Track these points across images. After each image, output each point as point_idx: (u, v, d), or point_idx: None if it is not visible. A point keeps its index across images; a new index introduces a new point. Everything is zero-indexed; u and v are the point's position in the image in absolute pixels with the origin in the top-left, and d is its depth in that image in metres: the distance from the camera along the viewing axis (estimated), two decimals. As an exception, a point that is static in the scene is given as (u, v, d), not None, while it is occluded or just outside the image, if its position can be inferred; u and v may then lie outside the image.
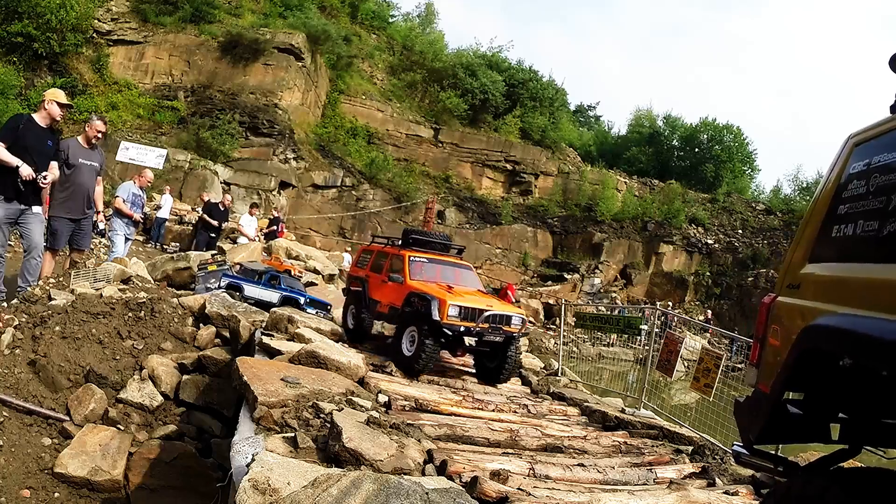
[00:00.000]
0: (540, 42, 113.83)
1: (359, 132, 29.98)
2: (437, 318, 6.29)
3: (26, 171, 5.88)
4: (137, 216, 9.01)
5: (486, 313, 6.51)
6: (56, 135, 6.56)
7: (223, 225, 14.52)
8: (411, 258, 7.40)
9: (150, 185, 9.70)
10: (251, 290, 9.50)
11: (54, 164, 6.39)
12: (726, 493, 4.38)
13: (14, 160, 5.87)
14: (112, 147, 21.08)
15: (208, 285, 8.85)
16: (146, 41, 25.84)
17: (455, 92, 31.74)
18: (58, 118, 6.34)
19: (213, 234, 14.15)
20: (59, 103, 6.26)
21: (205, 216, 14.46)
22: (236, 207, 22.99)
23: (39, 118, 6.22)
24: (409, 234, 7.94)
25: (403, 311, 6.90)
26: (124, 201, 8.83)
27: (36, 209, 6.26)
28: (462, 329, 6.41)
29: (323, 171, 27.15)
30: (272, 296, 9.43)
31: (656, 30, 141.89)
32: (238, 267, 10.32)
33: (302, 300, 9.62)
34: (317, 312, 9.86)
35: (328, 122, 29.80)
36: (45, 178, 6.08)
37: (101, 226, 7.82)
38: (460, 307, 6.43)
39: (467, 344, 6.66)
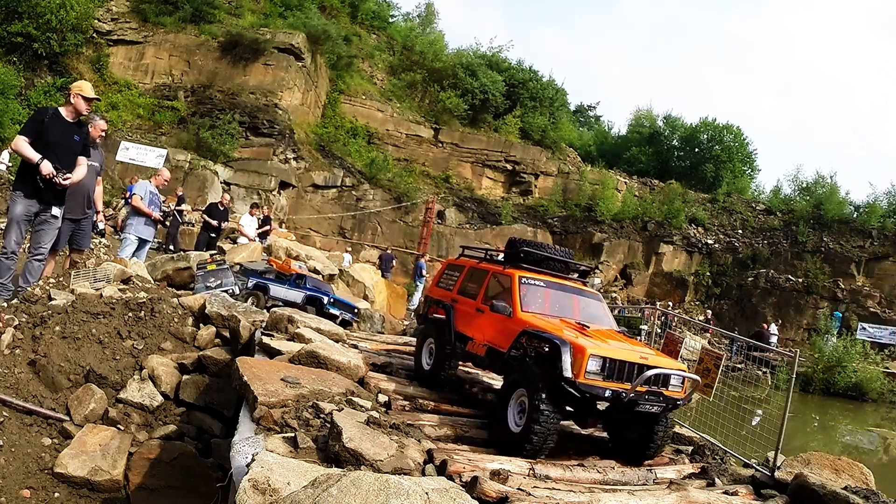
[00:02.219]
0: (540, 42, 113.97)
1: (359, 132, 29.98)
2: (571, 375, 4.30)
3: (47, 168, 5.70)
4: (156, 215, 8.82)
5: (647, 371, 4.45)
6: (84, 128, 6.31)
7: (223, 225, 14.47)
8: (522, 279, 5.38)
9: (166, 184, 9.43)
10: (277, 290, 9.62)
11: (83, 160, 6.20)
12: (726, 493, 4.39)
13: (35, 155, 5.70)
14: (112, 147, 21.12)
15: (208, 284, 8.80)
16: (146, 41, 25.86)
17: (455, 92, 31.74)
18: (84, 112, 6.14)
19: (212, 235, 14.11)
20: (84, 97, 6.04)
21: (204, 216, 14.42)
22: (236, 207, 22.99)
23: (65, 112, 6.04)
24: (517, 246, 5.83)
25: (511, 358, 4.89)
26: (141, 199, 8.63)
27: (55, 211, 6.08)
28: (608, 394, 4.36)
29: (323, 171, 27.15)
30: (297, 296, 9.53)
31: (657, 30, 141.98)
32: (238, 267, 10.34)
33: (325, 300, 9.60)
34: (340, 314, 9.83)
35: (328, 122, 29.80)
36: (65, 177, 5.87)
37: (101, 226, 7.77)
38: (604, 360, 4.41)
39: (601, 408, 4.60)
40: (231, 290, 8.95)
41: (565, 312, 5.38)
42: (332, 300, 9.72)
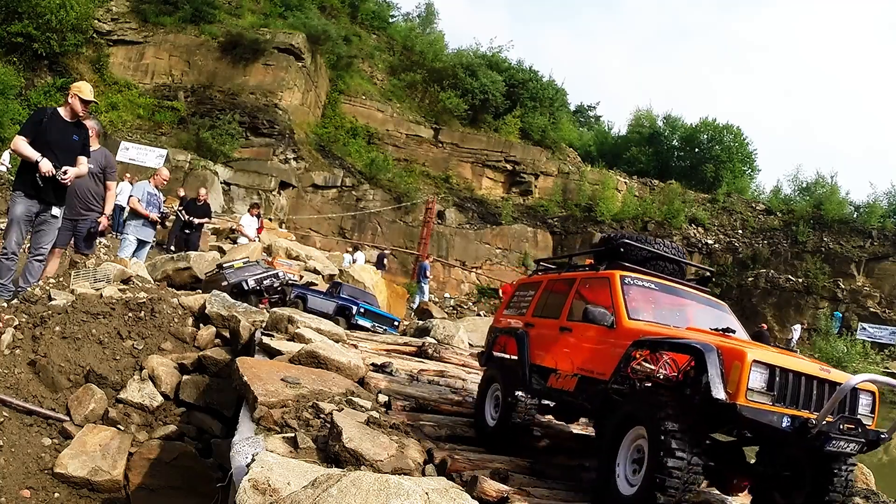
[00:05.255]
0: (541, 42, 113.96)
1: (359, 132, 30.00)
2: (724, 396, 2.79)
3: (46, 166, 5.71)
4: (154, 216, 8.72)
5: (840, 388, 2.88)
6: (83, 128, 6.32)
7: (196, 221, 12.93)
8: (626, 279, 4.00)
9: (165, 183, 9.35)
10: (313, 300, 9.76)
11: (83, 159, 6.20)
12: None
13: (34, 154, 5.72)
14: (112, 147, 21.11)
15: (250, 276, 8.95)
16: (146, 41, 25.90)
17: (455, 92, 31.75)
18: (80, 113, 6.13)
19: (187, 231, 12.74)
20: (81, 98, 6.03)
21: (181, 212, 13.83)
22: (236, 207, 23.01)
23: (64, 112, 6.06)
24: (616, 241, 4.40)
25: (614, 389, 3.36)
26: (139, 201, 8.59)
27: (55, 211, 6.09)
28: (786, 424, 2.84)
29: (323, 171, 27.16)
30: (329, 305, 9.62)
31: (657, 30, 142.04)
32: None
33: (354, 309, 9.58)
34: (373, 326, 9.62)
35: (328, 123, 29.82)
36: (65, 173, 5.87)
37: (100, 228, 7.74)
38: (772, 370, 2.91)
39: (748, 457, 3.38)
40: (287, 278, 8.95)
41: (686, 324, 3.93)
42: (361, 310, 9.53)
